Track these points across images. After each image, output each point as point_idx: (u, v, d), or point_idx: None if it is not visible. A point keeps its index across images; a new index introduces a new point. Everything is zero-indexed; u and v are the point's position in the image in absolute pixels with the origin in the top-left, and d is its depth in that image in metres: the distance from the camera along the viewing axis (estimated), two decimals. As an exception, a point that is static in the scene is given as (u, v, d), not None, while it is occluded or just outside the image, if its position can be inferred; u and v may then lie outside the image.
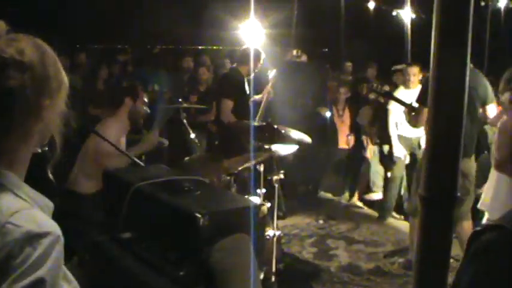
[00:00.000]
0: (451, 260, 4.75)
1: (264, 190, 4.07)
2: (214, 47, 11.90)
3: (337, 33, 11.28)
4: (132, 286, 2.25)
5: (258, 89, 6.48)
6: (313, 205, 7.21)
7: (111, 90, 4.61)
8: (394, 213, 7.03)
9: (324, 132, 7.59)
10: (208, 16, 9.65)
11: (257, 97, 6.49)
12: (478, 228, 1.25)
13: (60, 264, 1.29)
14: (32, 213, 1.29)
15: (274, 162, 4.04)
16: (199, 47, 12.16)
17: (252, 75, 5.86)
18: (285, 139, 3.99)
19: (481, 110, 4.95)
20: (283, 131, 3.93)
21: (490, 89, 4.94)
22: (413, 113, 5.09)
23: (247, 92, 5.79)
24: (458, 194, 3.24)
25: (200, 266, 2.01)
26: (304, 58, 8.86)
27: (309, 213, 6.90)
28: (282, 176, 4.04)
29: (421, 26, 11.61)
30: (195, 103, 7.19)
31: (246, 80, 5.85)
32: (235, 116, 5.56)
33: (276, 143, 3.95)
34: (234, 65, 6.14)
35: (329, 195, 7.89)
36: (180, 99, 6.48)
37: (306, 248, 5.79)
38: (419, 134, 6.30)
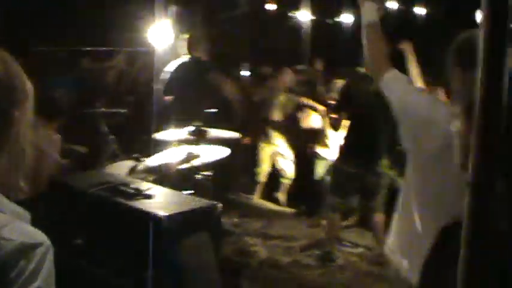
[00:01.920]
0: (362, 249, 5.08)
1: (192, 191, 4.14)
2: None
3: (235, 34, 11.49)
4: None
5: None
6: (225, 204, 7.31)
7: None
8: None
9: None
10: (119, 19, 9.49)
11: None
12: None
13: (53, 272, 1.32)
14: (19, 225, 1.30)
15: (203, 166, 4.12)
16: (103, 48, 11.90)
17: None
18: (213, 141, 4.08)
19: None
20: (211, 133, 4.02)
21: None
22: (333, 117, 5.40)
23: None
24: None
25: (166, 265, 2.08)
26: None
27: (222, 213, 7.00)
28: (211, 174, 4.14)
29: (318, 27, 12.12)
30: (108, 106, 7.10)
31: None
32: None
33: (203, 144, 4.03)
34: None
35: (240, 194, 8.05)
36: (98, 104, 6.39)
37: (225, 245, 5.91)
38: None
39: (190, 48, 6.28)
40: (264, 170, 7.50)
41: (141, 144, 5.62)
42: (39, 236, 1.28)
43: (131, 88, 8.10)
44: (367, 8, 2.53)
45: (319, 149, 6.99)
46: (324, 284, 5.03)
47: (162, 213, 2.12)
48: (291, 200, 7.53)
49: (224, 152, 4.07)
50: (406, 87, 2.40)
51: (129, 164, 4.90)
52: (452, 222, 1.47)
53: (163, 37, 7.11)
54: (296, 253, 5.75)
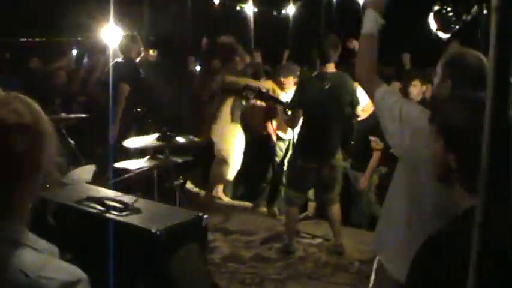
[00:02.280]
0: (320, 240, 5.30)
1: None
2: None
3: (185, 29, 11.53)
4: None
5: None
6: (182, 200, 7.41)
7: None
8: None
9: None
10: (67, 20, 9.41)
11: None
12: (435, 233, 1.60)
13: None
14: (57, 263, 1.39)
15: (171, 169, 4.21)
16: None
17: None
18: (179, 145, 4.18)
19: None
20: (177, 138, 4.12)
21: (355, 91, 5.51)
22: (288, 113, 5.54)
23: None
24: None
25: (160, 278, 2.20)
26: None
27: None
28: (181, 181, 4.25)
29: (263, 20, 12.27)
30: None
31: None
32: None
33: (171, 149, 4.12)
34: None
35: (196, 190, 8.15)
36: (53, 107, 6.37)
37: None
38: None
39: (123, 49, 6.48)
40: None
41: (103, 148, 5.65)
42: (77, 272, 1.39)
43: (82, 89, 8.05)
44: (369, 17, 2.60)
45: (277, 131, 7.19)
46: (286, 276, 5.21)
47: (153, 227, 2.23)
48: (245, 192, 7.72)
49: (188, 157, 4.20)
50: (400, 100, 2.54)
51: (90, 169, 4.94)
52: (438, 231, 1.65)
53: (114, 36, 7.15)
54: (256, 247, 5.92)
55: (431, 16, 2.98)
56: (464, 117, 1.61)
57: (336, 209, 5.67)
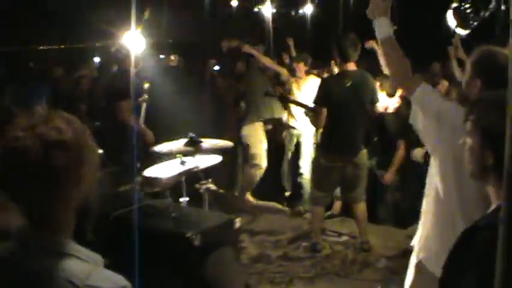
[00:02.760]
0: (346, 238, 5.34)
1: (187, 198, 4.30)
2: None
3: (203, 32, 11.63)
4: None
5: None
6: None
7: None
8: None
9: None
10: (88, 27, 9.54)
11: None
12: (469, 227, 1.65)
13: None
14: (101, 272, 1.47)
15: (199, 173, 4.29)
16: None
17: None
18: (207, 150, 4.25)
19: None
20: (205, 142, 4.19)
21: (376, 89, 5.58)
22: (312, 114, 5.59)
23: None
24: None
25: (197, 280, 2.28)
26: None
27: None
28: (210, 185, 4.33)
29: (282, 21, 12.32)
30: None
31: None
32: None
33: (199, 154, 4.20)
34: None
35: (220, 191, 8.21)
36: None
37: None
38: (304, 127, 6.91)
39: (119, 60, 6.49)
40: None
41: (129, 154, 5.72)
42: (121, 280, 1.47)
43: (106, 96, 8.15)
44: (381, 23, 2.69)
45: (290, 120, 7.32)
46: (314, 274, 5.27)
47: (188, 232, 2.31)
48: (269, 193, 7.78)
49: (216, 159, 4.27)
50: (441, 99, 2.62)
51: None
52: (473, 225, 1.69)
53: (137, 43, 7.24)
54: (284, 246, 5.98)
55: (449, 13, 3.03)
56: (496, 116, 1.65)
57: (361, 207, 5.72)
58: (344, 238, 6.17)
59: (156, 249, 2.38)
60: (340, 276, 5.24)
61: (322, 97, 5.49)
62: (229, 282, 2.34)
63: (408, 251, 5.55)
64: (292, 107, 7.10)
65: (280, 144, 7.72)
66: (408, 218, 6.23)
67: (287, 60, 9.31)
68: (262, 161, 7.35)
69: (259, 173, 7.40)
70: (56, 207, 1.46)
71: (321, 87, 5.63)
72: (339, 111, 5.42)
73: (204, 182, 4.22)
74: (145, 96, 6.47)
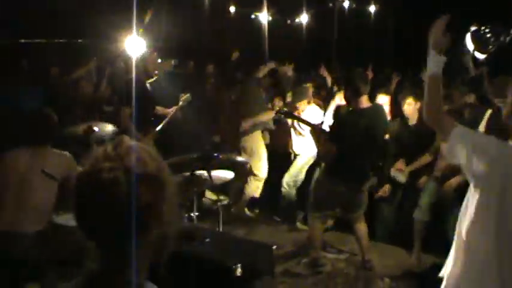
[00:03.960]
0: (347, 255, 5.24)
1: (197, 213, 4.22)
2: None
3: (200, 37, 11.55)
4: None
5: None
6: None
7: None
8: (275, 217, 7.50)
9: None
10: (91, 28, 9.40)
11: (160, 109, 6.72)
12: None
13: None
14: None
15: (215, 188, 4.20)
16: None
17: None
18: (223, 165, 4.17)
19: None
20: (221, 157, 4.11)
21: (387, 121, 5.63)
22: (318, 139, 5.54)
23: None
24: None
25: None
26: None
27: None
28: (225, 202, 4.24)
29: (277, 27, 12.28)
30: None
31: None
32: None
33: (215, 169, 4.11)
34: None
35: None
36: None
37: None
38: None
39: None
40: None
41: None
42: None
43: (109, 98, 8.04)
44: (434, 60, 2.67)
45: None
46: (318, 292, 5.20)
47: (228, 261, 2.22)
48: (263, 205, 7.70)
49: (229, 175, 4.18)
50: (477, 136, 2.62)
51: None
52: None
53: (137, 47, 7.17)
54: (284, 262, 5.88)
55: (468, 36, 3.00)
56: None
57: (362, 226, 5.68)
58: (345, 255, 6.10)
59: (196, 277, 2.29)
60: (344, 295, 5.17)
61: (336, 135, 5.46)
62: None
63: (411, 272, 5.58)
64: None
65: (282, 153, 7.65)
66: (405, 235, 6.23)
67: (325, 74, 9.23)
68: (264, 174, 7.32)
69: (260, 186, 7.37)
70: (138, 247, 1.34)
71: (336, 126, 5.62)
72: (351, 147, 5.35)
73: (221, 198, 4.13)
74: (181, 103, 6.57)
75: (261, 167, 7.30)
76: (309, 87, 7.41)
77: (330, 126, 5.71)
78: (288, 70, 9.46)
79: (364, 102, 5.38)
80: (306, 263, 5.80)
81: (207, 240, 2.45)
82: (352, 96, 5.40)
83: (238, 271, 2.19)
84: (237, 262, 2.21)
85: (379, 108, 5.60)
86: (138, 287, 1.36)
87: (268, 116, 7.49)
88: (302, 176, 7.23)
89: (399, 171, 6.18)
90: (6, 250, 4.02)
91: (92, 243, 1.37)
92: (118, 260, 1.35)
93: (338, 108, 6.59)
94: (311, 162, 7.11)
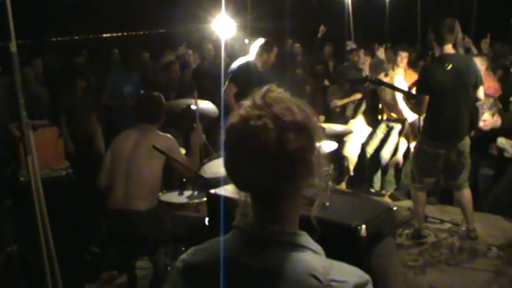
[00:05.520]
0: (449, 225, 5.12)
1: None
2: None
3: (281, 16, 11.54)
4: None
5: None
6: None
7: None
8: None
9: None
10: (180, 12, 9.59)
11: None
12: None
13: None
14: (341, 265, 1.35)
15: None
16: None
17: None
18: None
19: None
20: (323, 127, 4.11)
21: (479, 72, 5.35)
22: (412, 100, 5.41)
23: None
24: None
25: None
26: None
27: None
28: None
29: (363, 5, 12.03)
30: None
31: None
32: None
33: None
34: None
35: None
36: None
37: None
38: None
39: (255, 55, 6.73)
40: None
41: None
42: (363, 273, 1.36)
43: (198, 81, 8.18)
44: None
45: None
46: (423, 263, 5.11)
47: (352, 222, 2.23)
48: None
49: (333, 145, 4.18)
50: None
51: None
52: None
53: (226, 28, 7.21)
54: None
55: None
56: None
57: (464, 194, 5.50)
58: (447, 225, 5.96)
59: (320, 241, 2.30)
60: (450, 265, 5.07)
61: (423, 84, 5.29)
62: (394, 275, 2.24)
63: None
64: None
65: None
66: (506, 205, 6.03)
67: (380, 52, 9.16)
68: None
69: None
70: (290, 197, 1.36)
71: (422, 75, 5.44)
72: (441, 96, 5.20)
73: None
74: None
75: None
76: (387, 65, 7.53)
77: (418, 79, 5.56)
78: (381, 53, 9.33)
79: (449, 50, 5.20)
80: (408, 234, 5.72)
81: (327, 204, 2.45)
82: (437, 45, 5.23)
83: (363, 231, 2.20)
84: (361, 223, 2.22)
85: (468, 56, 5.38)
86: (295, 237, 1.36)
87: (356, 96, 7.60)
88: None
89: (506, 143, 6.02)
90: (120, 228, 4.19)
91: (241, 195, 1.40)
92: (271, 211, 1.36)
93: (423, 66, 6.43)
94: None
